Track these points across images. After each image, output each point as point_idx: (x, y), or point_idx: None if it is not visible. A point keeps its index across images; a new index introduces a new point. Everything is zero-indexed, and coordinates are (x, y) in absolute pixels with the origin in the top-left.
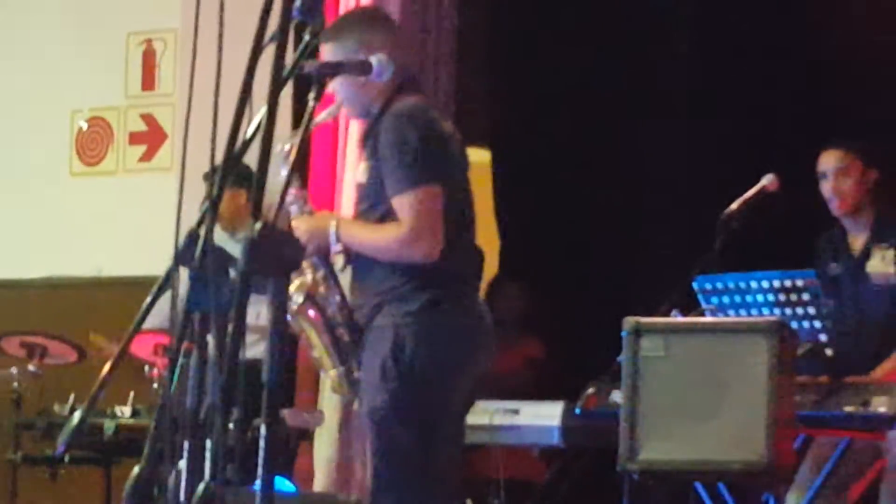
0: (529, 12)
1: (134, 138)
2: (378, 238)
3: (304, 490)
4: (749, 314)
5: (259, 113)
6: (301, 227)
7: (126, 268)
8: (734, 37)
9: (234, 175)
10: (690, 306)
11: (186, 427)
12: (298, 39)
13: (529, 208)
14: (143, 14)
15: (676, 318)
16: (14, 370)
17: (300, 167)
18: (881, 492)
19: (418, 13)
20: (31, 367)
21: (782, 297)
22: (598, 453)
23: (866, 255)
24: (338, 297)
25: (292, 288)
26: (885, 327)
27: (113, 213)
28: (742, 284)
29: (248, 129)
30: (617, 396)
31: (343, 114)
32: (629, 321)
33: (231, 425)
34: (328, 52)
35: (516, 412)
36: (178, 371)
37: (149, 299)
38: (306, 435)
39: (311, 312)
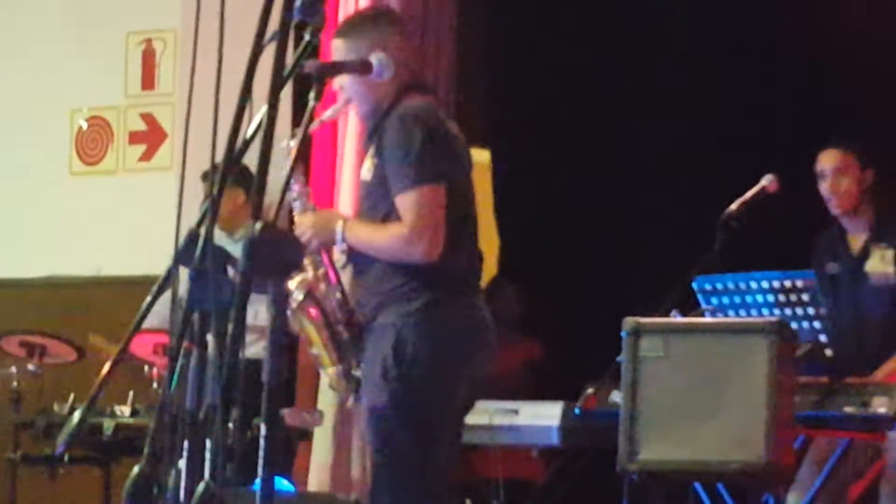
0: (529, 12)
1: (134, 138)
2: (381, 238)
3: (304, 490)
4: (749, 314)
5: (259, 113)
6: (306, 222)
7: (126, 267)
8: (734, 37)
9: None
10: (690, 307)
11: (186, 427)
12: (299, 39)
13: (528, 208)
14: (143, 13)
15: (676, 319)
16: (13, 369)
17: (301, 165)
18: (881, 492)
19: (418, 13)
20: (30, 367)
21: (782, 298)
22: (598, 454)
23: (865, 254)
24: (338, 295)
25: (293, 284)
26: (884, 327)
27: (112, 213)
28: (742, 285)
29: (248, 129)
30: (616, 397)
31: (343, 112)
32: (629, 321)
33: (231, 425)
34: (340, 49)
35: (516, 412)
36: (177, 371)
37: (148, 299)
38: (306, 435)
39: (312, 310)
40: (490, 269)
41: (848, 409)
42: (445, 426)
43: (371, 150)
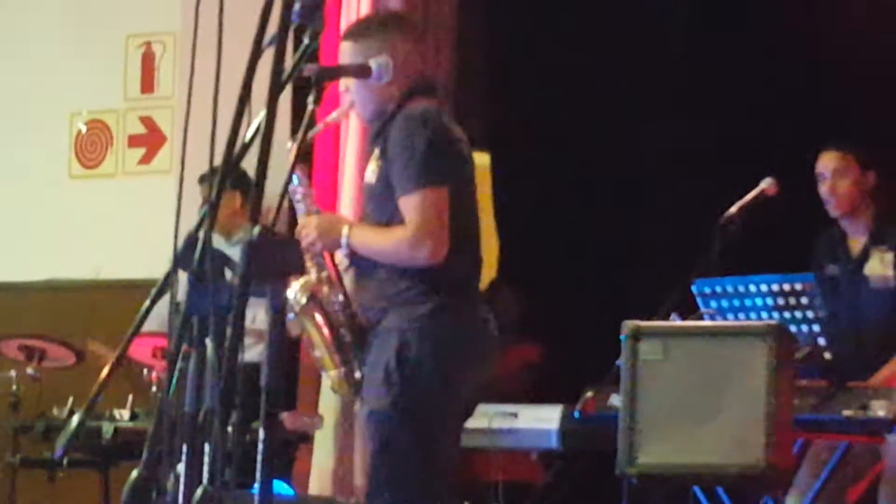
0: (528, 13)
1: (133, 141)
2: (386, 242)
3: (304, 494)
4: (748, 318)
5: (258, 116)
6: (311, 224)
7: (125, 270)
8: (734, 37)
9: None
10: (689, 310)
11: (185, 430)
12: (298, 42)
13: (528, 210)
14: (143, 16)
15: (675, 322)
16: (13, 373)
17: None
18: (880, 495)
19: (418, 13)
20: (29, 370)
21: (781, 301)
22: (597, 457)
23: (865, 257)
24: (340, 297)
25: (296, 287)
26: (883, 329)
27: (112, 216)
28: (741, 288)
29: (247, 133)
30: (615, 400)
31: (346, 115)
32: (628, 324)
33: (230, 429)
34: (347, 52)
35: (515, 416)
36: (176, 374)
37: (148, 302)
38: (306, 438)
39: (315, 312)
40: (490, 271)
41: (847, 413)
42: (445, 431)
43: (375, 153)
